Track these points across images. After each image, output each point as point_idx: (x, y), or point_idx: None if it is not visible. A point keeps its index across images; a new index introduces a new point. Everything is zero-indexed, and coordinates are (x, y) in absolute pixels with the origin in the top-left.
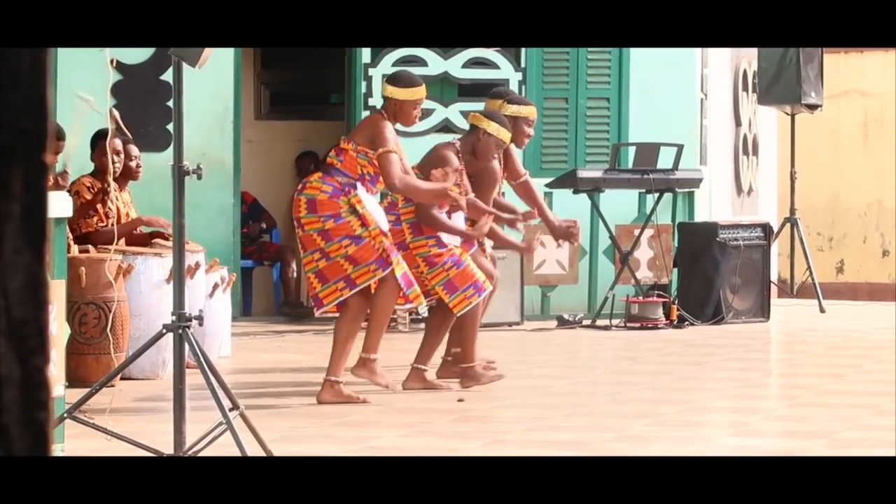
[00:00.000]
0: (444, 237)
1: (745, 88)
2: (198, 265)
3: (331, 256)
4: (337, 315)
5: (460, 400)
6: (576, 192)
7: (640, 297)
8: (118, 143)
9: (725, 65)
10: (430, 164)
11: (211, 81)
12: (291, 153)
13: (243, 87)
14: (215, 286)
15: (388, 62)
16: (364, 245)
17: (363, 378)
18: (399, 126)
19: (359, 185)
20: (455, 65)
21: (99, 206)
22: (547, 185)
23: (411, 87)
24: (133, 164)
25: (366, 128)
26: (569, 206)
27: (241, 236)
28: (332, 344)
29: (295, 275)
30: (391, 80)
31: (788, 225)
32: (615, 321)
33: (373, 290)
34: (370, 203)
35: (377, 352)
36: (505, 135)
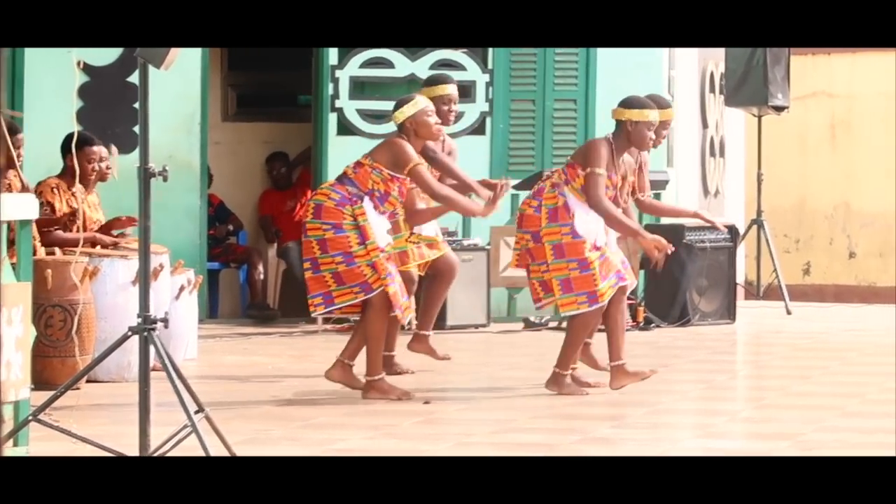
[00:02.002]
0: (579, 228)
1: (712, 90)
2: (162, 267)
3: (320, 269)
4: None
5: (426, 402)
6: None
7: None
8: (103, 151)
9: (692, 66)
10: (581, 152)
11: (178, 83)
12: (258, 155)
13: (210, 89)
14: (181, 288)
15: (356, 64)
16: (353, 268)
17: (374, 399)
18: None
19: (366, 198)
20: (422, 66)
21: (65, 209)
22: (514, 187)
23: (412, 102)
24: (104, 165)
25: (387, 148)
26: None
27: (207, 238)
28: (367, 342)
29: (262, 277)
30: (396, 108)
31: (755, 227)
32: None
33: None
34: (373, 217)
35: (380, 372)
36: (650, 114)
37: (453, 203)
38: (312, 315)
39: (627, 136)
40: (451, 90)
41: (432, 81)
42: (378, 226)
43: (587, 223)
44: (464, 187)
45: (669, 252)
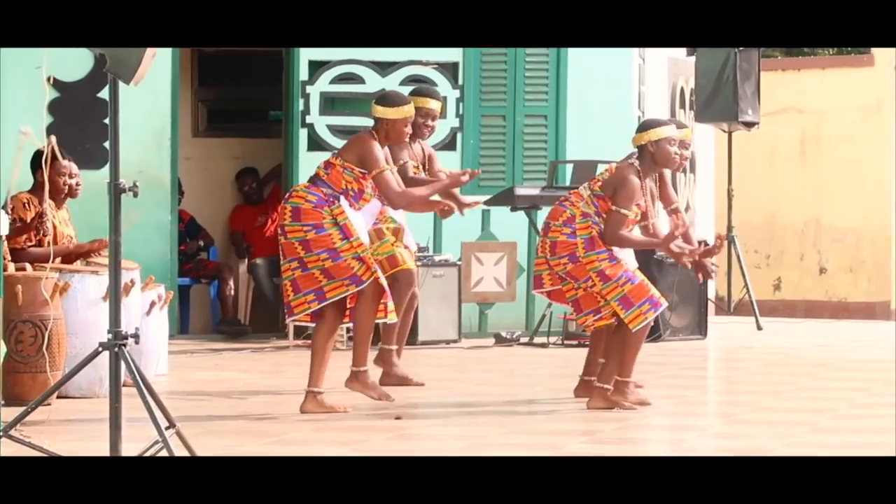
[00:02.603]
0: (616, 252)
1: (682, 106)
2: (133, 283)
3: (308, 266)
4: (309, 324)
5: (397, 417)
6: (513, 209)
7: None
8: (72, 166)
9: (663, 82)
10: (612, 184)
11: (148, 98)
12: (229, 170)
13: (181, 104)
14: (152, 304)
15: (326, 79)
16: (340, 262)
17: (356, 391)
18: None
19: (342, 198)
20: (393, 82)
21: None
22: (485, 203)
23: (400, 106)
24: (73, 181)
25: (354, 146)
26: (506, 224)
27: (178, 254)
28: (311, 355)
29: (232, 292)
30: (380, 100)
31: (726, 242)
32: (553, 339)
33: (348, 304)
34: (352, 215)
35: (366, 364)
36: (667, 130)
37: (418, 201)
38: (296, 318)
39: (651, 157)
40: (434, 105)
41: (419, 93)
42: (358, 223)
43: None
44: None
45: (712, 276)
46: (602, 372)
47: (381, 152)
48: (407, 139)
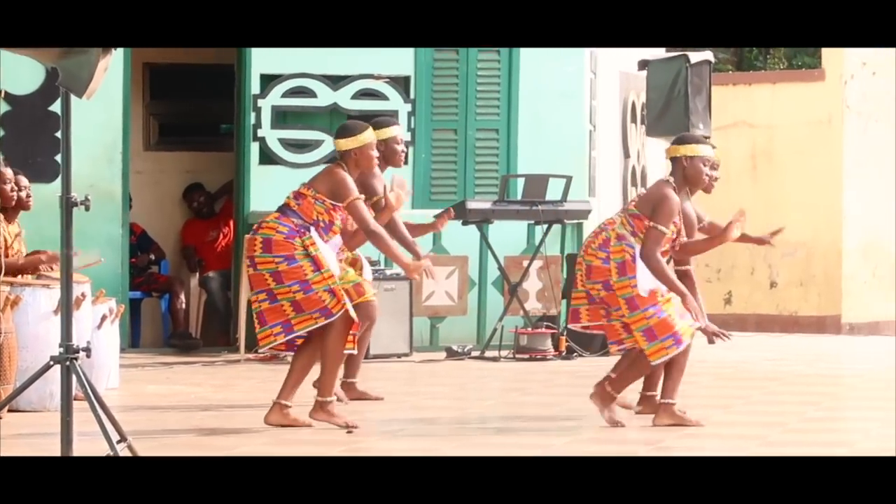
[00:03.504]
0: (641, 280)
1: (634, 120)
2: (84, 296)
3: (277, 298)
4: (282, 352)
5: (349, 431)
6: (465, 223)
7: (529, 329)
8: (21, 179)
9: (614, 96)
10: (649, 201)
11: (100, 112)
12: (180, 184)
13: (132, 118)
14: (103, 318)
15: (278, 93)
16: (311, 295)
17: (321, 420)
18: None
19: (312, 229)
20: (344, 96)
21: None
22: (436, 216)
23: (359, 134)
24: (24, 194)
25: (326, 178)
26: (458, 238)
27: (129, 267)
28: (288, 371)
29: (184, 306)
30: (339, 133)
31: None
32: (504, 352)
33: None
34: (323, 247)
35: (332, 394)
36: (704, 150)
37: (384, 244)
38: (263, 348)
39: (683, 171)
40: (400, 131)
41: (382, 124)
42: (328, 255)
43: (647, 273)
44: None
45: (725, 339)
46: (663, 388)
47: (352, 183)
48: (376, 167)
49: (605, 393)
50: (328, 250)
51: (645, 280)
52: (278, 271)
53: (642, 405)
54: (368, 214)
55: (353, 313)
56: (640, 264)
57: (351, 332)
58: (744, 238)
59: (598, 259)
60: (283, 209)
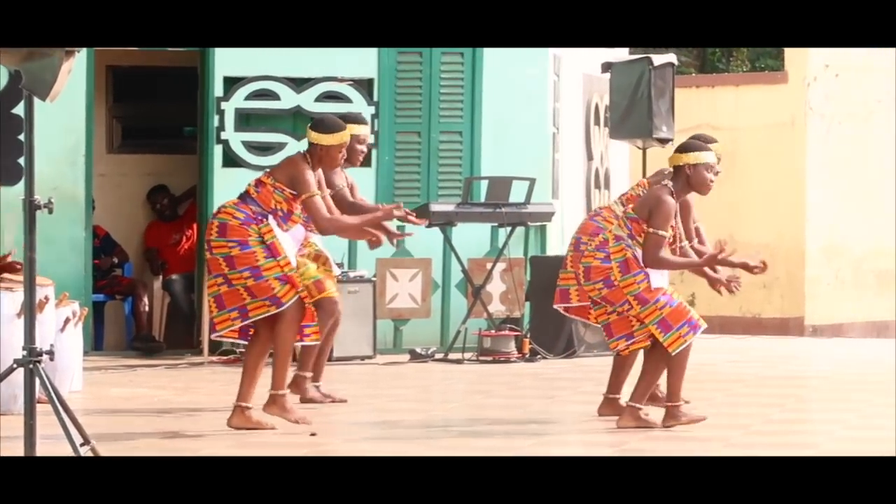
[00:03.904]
0: (653, 275)
1: (597, 122)
2: (47, 299)
3: (233, 283)
4: (238, 340)
5: (312, 434)
6: (429, 225)
7: (493, 331)
8: None
9: (577, 99)
10: (646, 205)
11: (63, 115)
12: (143, 187)
13: (95, 121)
14: (67, 320)
15: (241, 95)
16: (262, 282)
17: (274, 415)
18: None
19: (270, 217)
20: (308, 98)
21: None
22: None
23: (336, 132)
24: None
25: (287, 167)
26: (422, 240)
27: (92, 270)
28: (242, 371)
29: (147, 308)
30: (315, 125)
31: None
32: (468, 355)
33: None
34: (281, 235)
35: (284, 387)
36: (707, 156)
37: (344, 227)
38: (219, 334)
39: (687, 180)
40: (366, 130)
41: (351, 119)
42: (286, 242)
43: (655, 272)
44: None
45: (735, 291)
46: (634, 391)
47: (312, 177)
48: (340, 165)
49: (631, 410)
50: (287, 239)
51: (657, 278)
52: (231, 256)
53: (604, 408)
54: (323, 211)
55: (307, 302)
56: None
57: (310, 322)
58: (726, 263)
59: (596, 259)
60: (243, 196)
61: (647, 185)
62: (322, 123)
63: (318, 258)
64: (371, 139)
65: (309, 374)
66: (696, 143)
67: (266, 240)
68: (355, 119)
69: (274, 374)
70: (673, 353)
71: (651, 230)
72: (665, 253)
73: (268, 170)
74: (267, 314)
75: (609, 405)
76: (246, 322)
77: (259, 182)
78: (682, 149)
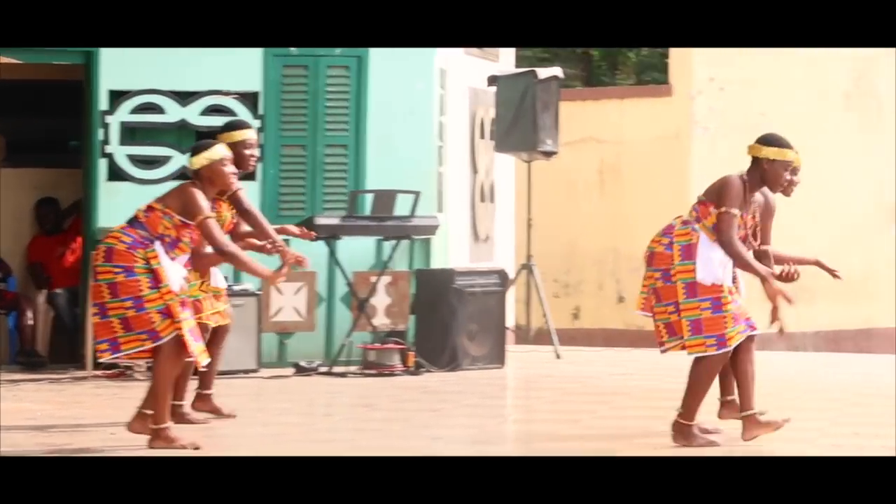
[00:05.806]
0: (700, 269)
1: (482, 135)
2: None
3: (108, 314)
4: (149, 359)
5: (196, 448)
6: (314, 239)
7: (378, 344)
8: None
9: (463, 112)
10: (715, 188)
11: None
12: (27, 201)
13: None
14: None
15: (126, 109)
16: (142, 314)
17: (161, 448)
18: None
19: (157, 242)
20: (193, 112)
21: None
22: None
23: (206, 152)
24: None
25: (178, 195)
26: (306, 253)
27: None
28: (153, 391)
29: (31, 323)
30: (192, 151)
31: (524, 271)
32: (352, 368)
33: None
34: (165, 261)
35: (167, 420)
36: (789, 154)
37: (239, 261)
38: (101, 361)
39: (762, 173)
40: (251, 135)
41: (231, 127)
42: (171, 269)
43: (710, 263)
44: (263, 236)
45: (791, 304)
46: (681, 404)
47: (205, 200)
48: (231, 179)
49: (681, 426)
50: (171, 265)
51: (707, 272)
52: (115, 283)
53: (724, 411)
54: (220, 234)
55: (186, 336)
56: (704, 256)
57: (186, 355)
58: (771, 289)
59: (661, 245)
60: (132, 221)
61: None
62: (195, 148)
63: (218, 297)
64: (257, 153)
65: (211, 392)
66: (781, 138)
67: (152, 265)
68: (239, 125)
69: (154, 409)
70: (688, 354)
71: (723, 209)
72: (739, 242)
73: (158, 196)
74: (141, 349)
75: (727, 408)
76: (116, 356)
77: (149, 207)
78: (765, 142)
